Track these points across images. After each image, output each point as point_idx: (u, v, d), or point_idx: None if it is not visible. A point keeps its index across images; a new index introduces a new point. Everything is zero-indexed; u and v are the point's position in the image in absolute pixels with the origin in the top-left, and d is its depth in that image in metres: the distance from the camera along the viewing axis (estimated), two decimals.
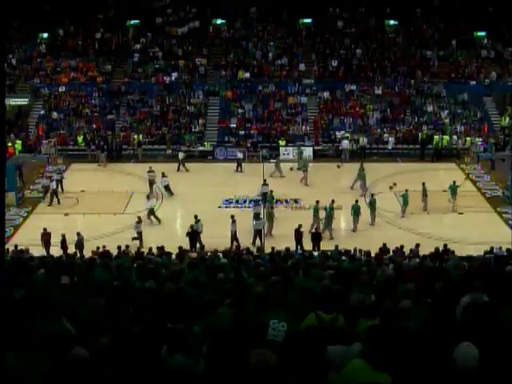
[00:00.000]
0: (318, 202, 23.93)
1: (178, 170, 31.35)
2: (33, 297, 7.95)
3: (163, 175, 27.66)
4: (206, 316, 6.54)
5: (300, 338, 5.86)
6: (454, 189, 25.76)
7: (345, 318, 6.28)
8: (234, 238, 22.31)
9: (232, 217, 22.58)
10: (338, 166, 27.43)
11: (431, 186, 26.62)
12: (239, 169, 31.50)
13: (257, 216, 23.09)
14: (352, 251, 18.34)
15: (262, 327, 5.78)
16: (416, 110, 36.77)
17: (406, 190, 25.30)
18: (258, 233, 22.58)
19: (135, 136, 34.59)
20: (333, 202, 23.92)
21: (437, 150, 33.64)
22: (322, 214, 23.63)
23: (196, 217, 22.50)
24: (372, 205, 24.61)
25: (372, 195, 25.21)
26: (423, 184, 25.76)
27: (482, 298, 6.75)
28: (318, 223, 23.23)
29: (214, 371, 5.10)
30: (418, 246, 19.48)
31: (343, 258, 16.44)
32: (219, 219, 22.97)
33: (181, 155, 31.99)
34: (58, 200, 26.91)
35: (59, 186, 27.79)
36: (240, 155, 32.25)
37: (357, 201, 24.53)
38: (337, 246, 19.57)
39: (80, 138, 34.85)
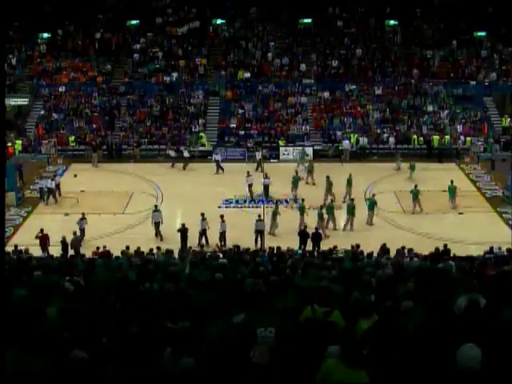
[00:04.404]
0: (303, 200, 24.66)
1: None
2: (33, 297, 7.97)
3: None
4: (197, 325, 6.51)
5: (296, 330, 5.96)
6: (451, 189, 25.71)
7: (345, 318, 6.31)
8: (203, 235, 22.36)
9: (202, 215, 22.53)
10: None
11: (431, 187, 26.66)
12: (219, 171, 31.14)
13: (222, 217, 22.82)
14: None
15: (251, 338, 5.82)
16: (416, 110, 36.78)
17: (373, 195, 25.18)
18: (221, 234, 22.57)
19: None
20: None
21: (440, 150, 33.65)
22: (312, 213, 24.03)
23: (202, 215, 22.54)
24: (349, 210, 24.08)
25: (352, 200, 24.76)
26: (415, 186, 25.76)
27: (478, 298, 6.74)
28: (303, 221, 23.29)
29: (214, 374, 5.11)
30: None
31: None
32: (219, 219, 22.93)
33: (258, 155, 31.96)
34: (56, 199, 26.86)
35: (58, 188, 27.72)
36: (217, 157, 31.88)
37: (374, 195, 25.03)
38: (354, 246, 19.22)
39: (71, 138, 34.85)
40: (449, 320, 5.95)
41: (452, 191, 25.80)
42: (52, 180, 27.73)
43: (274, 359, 4.97)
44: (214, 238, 22.46)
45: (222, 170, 31.23)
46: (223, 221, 22.52)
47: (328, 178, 26.42)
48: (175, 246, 20.44)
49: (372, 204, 24.58)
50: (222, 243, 22.22)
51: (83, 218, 22.91)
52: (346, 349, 4.75)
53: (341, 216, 24.55)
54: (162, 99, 37.38)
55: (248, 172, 28.09)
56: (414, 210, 25.44)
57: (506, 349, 4.90)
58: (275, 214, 23.70)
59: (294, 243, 20.88)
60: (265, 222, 23.22)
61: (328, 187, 26.10)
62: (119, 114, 36.85)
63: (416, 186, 25.73)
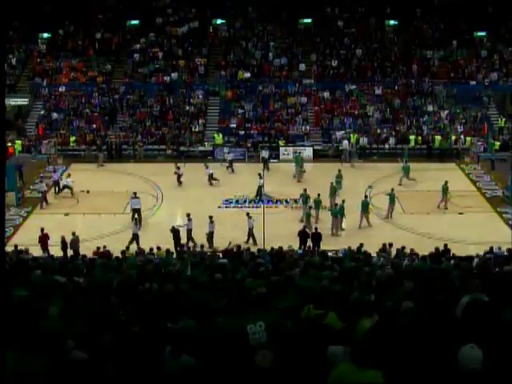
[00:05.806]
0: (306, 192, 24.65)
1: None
2: (33, 297, 7.97)
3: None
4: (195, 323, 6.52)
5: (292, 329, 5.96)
6: (444, 189, 25.76)
7: (345, 318, 6.31)
8: (189, 235, 22.39)
9: (188, 215, 22.52)
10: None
11: (431, 186, 26.61)
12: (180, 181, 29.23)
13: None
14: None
15: (243, 337, 5.82)
16: (416, 110, 36.77)
17: (392, 190, 25.19)
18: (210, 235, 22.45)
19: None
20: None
21: (440, 150, 33.61)
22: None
23: (188, 215, 22.55)
24: (364, 208, 24.11)
25: (366, 197, 24.84)
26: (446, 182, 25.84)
27: (482, 298, 6.75)
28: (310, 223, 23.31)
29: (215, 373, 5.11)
30: None
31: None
32: (219, 219, 22.95)
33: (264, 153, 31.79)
34: (47, 201, 26.71)
35: (55, 188, 27.75)
36: (179, 171, 29.30)
37: (366, 196, 24.89)
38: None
39: (72, 139, 34.84)
40: (449, 320, 5.95)
41: (445, 191, 25.76)
42: (41, 182, 27.84)
43: (275, 362, 4.95)
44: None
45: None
46: (212, 221, 22.39)
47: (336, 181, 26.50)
48: (170, 245, 20.47)
49: (392, 198, 24.65)
50: (210, 244, 22.08)
51: (136, 223, 22.63)
52: (354, 349, 4.67)
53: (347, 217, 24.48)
54: (162, 99, 37.37)
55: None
56: (444, 204, 25.63)
57: (507, 349, 4.90)
58: (309, 215, 23.64)
59: (293, 243, 20.89)
60: (253, 220, 23.02)
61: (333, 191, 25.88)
62: (120, 113, 36.85)
63: (447, 183, 25.75)
